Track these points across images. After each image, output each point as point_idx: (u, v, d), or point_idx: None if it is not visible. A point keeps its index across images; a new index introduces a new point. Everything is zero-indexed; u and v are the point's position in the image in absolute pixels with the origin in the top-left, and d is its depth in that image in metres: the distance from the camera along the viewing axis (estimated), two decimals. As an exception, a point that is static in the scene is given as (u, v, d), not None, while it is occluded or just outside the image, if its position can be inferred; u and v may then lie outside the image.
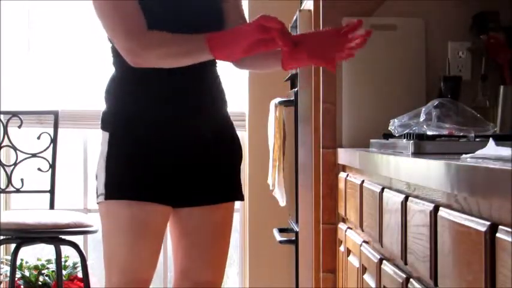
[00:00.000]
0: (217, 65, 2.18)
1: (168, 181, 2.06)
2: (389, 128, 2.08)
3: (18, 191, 3.73)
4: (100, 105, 2.15)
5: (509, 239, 1.04)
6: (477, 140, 1.87)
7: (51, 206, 3.73)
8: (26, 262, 4.07)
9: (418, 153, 1.79)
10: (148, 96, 2.06)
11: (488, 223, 1.13)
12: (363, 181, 2.19)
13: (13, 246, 3.38)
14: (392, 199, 1.78)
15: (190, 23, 2.02)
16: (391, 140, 2.12)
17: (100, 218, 2.10)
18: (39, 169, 3.74)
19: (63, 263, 3.84)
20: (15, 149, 3.74)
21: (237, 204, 4.25)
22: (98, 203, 2.08)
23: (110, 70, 2.15)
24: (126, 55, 1.97)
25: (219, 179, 2.13)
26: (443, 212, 1.36)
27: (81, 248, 3.47)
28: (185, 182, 2.08)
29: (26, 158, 3.75)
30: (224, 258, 2.19)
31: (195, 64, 2.01)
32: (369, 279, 2.11)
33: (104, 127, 2.09)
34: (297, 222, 3.00)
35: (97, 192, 2.07)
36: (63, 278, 3.79)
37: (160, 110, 2.06)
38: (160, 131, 2.05)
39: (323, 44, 1.94)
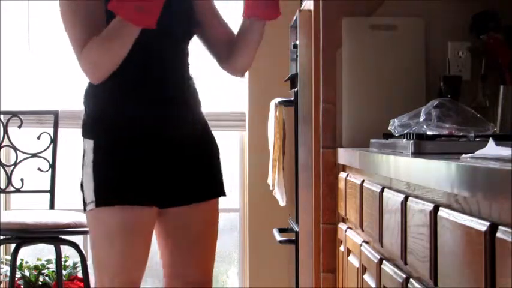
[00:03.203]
0: (189, 66, 2.20)
1: (155, 183, 2.09)
2: (389, 128, 2.08)
3: (18, 191, 3.73)
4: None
5: (509, 239, 1.04)
6: (477, 140, 1.87)
7: (51, 206, 3.73)
8: (26, 262, 4.07)
9: (418, 153, 1.79)
10: (129, 101, 2.08)
11: (488, 223, 1.13)
12: (363, 181, 2.19)
13: (13, 246, 3.38)
14: (392, 199, 1.78)
15: (167, 26, 2.04)
16: (391, 140, 2.12)
17: (89, 225, 2.12)
18: (39, 169, 3.74)
19: (63, 263, 3.84)
20: (15, 149, 3.74)
21: (237, 204, 4.31)
22: (87, 211, 2.09)
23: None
24: (87, 77, 2.06)
25: (201, 178, 2.16)
26: (443, 212, 1.36)
27: (81, 248, 3.47)
28: (170, 182, 2.11)
29: (26, 158, 3.75)
30: (213, 254, 2.24)
31: (168, 66, 2.08)
32: (369, 279, 2.11)
33: (87, 135, 2.10)
34: (297, 222, 3.00)
35: (85, 201, 2.08)
36: (63, 278, 3.79)
37: (140, 113, 2.08)
38: (144, 134, 2.08)
39: None
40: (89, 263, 3.78)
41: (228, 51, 2.24)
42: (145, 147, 2.08)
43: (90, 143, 2.07)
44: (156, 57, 2.09)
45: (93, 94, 2.11)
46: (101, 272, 2.11)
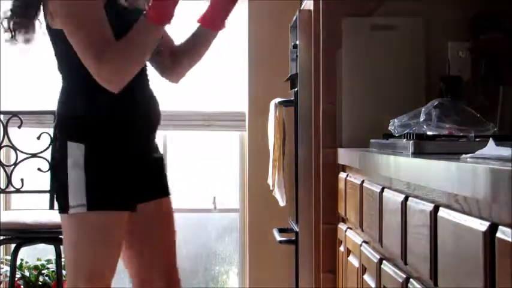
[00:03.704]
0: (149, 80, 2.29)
1: (134, 188, 2.17)
2: (389, 128, 2.08)
3: (18, 191, 3.73)
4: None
5: (509, 239, 1.04)
6: (477, 140, 1.87)
7: (51, 206, 3.73)
8: (26, 262, 4.07)
9: (418, 153, 1.79)
10: (121, 104, 2.12)
11: (488, 223, 1.13)
12: (363, 181, 2.19)
13: (13, 246, 3.38)
14: (392, 199, 1.78)
15: None
16: (391, 140, 2.12)
17: (69, 227, 2.12)
18: (39, 169, 3.73)
19: (63, 263, 3.84)
20: (15, 149, 3.74)
21: (237, 204, 4.31)
22: (71, 214, 2.09)
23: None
24: (107, 86, 2.03)
25: (160, 178, 2.30)
26: (443, 212, 1.36)
27: (81, 248, 3.47)
28: (141, 184, 2.20)
29: (26, 158, 3.75)
30: (175, 242, 2.32)
31: (142, 78, 2.17)
32: (369, 279, 2.11)
33: (76, 139, 2.09)
34: (297, 222, 3.00)
35: (70, 203, 2.08)
36: (63, 278, 3.78)
37: (133, 117, 2.16)
38: (133, 139, 2.17)
39: None
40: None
41: (171, 60, 2.34)
42: (132, 153, 2.16)
43: (80, 147, 2.08)
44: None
45: (79, 99, 2.12)
46: (77, 274, 2.13)
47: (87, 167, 2.07)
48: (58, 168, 2.12)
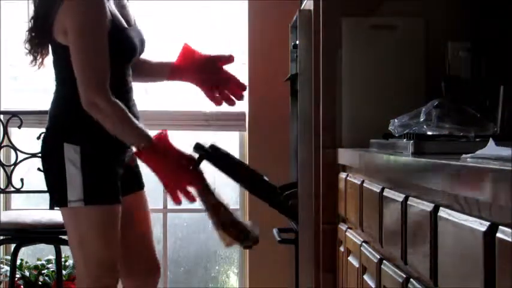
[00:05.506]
0: None
1: (121, 184, 2.36)
2: (389, 128, 2.08)
3: (18, 191, 3.73)
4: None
5: (509, 239, 1.04)
6: (477, 140, 1.87)
7: (51, 206, 3.72)
8: (26, 262, 4.07)
9: (418, 153, 1.79)
10: None
11: (488, 223, 1.13)
12: (363, 181, 2.19)
13: (13, 246, 3.38)
14: (392, 199, 1.78)
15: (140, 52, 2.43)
16: (391, 140, 2.12)
17: (71, 220, 2.29)
18: (39, 169, 3.73)
19: (63, 263, 3.84)
20: (15, 149, 3.74)
21: (237, 204, 4.31)
22: (72, 207, 2.26)
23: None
24: (88, 103, 2.20)
25: (138, 173, 2.53)
26: (443, 212, 1.36)
27: (81, 248, 3.47)
28: (123, 180, 2.39)
29: (26, 158, 3.75)
30: (151, 231, 2.57)
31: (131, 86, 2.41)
32: (369, 279, 2.11)
33: (71, 140, 2.27)
34: (297, 222, 3.00)
35: (68, 198, 2.25)
36: (63, 278, 3.78)
37: None
38: (120, 142, 2.32)
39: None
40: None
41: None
42: (118, 154, 2.38)
43: (76, 149, 2.26)
44: (127, 80, 2.40)
45: (78, 105, 2.25)
46: (89, 266, 2.28)
47: (82, 166, 2.24)
48: (54, 166, 2.28)
